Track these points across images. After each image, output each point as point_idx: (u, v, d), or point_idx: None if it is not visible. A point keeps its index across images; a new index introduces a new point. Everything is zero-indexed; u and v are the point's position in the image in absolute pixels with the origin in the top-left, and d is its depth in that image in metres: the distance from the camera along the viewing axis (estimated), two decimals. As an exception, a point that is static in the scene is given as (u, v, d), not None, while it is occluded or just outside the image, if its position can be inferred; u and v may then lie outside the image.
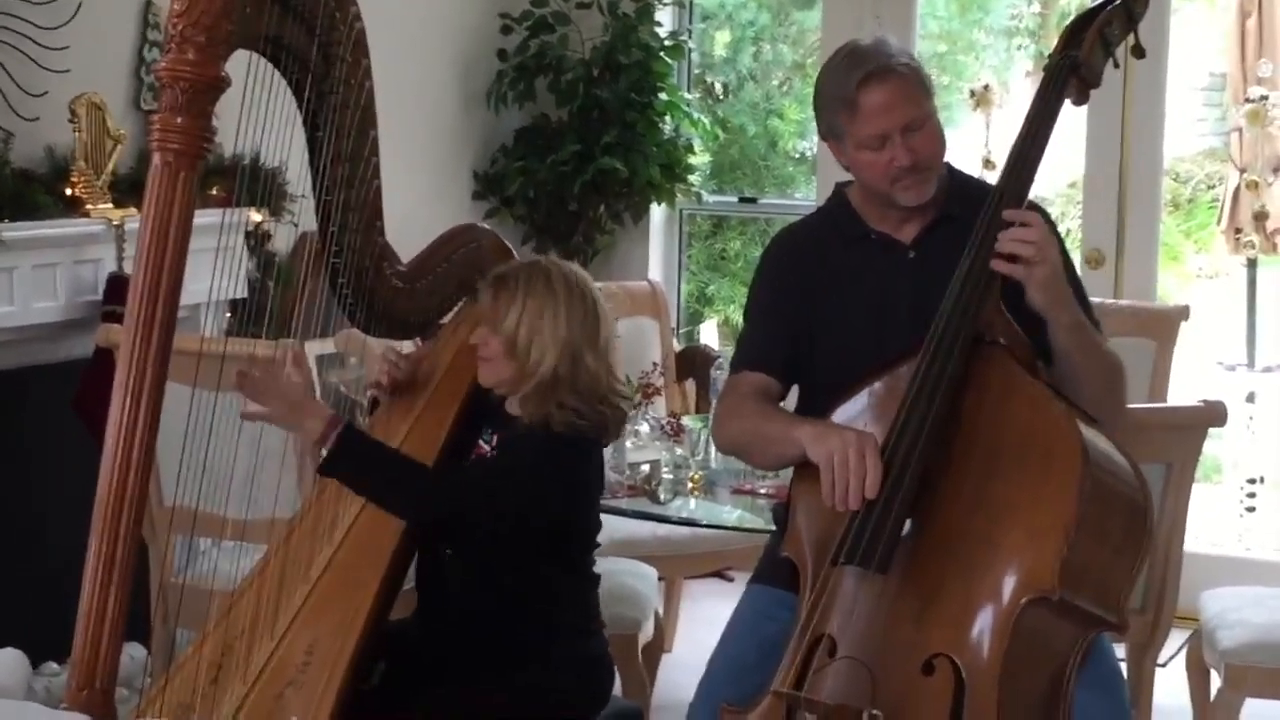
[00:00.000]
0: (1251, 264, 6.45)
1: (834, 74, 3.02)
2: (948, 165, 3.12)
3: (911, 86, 2.97)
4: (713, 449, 4.50)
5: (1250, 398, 6.20)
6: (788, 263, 3.18)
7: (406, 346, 3.81)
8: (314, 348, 4.23)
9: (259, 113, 2.84)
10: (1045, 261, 2.75)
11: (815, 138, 6.90)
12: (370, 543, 3.14)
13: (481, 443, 3.31)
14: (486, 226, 3.58)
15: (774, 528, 3.34)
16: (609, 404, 3.23)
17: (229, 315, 4.83)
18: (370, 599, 3.09)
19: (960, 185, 3.08)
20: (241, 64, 2.81)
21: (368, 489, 3.15)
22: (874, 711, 2.52)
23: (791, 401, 3.16)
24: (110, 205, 4.57)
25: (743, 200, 7.32)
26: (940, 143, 3.02)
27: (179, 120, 2.65)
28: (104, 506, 2.65)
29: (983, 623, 2.56)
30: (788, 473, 3.06)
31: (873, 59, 2.97)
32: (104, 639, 2.65)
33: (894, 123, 2.95)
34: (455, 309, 3.46)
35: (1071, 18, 2.98)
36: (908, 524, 2.63)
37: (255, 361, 3.21)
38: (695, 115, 6.64)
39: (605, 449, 3.41)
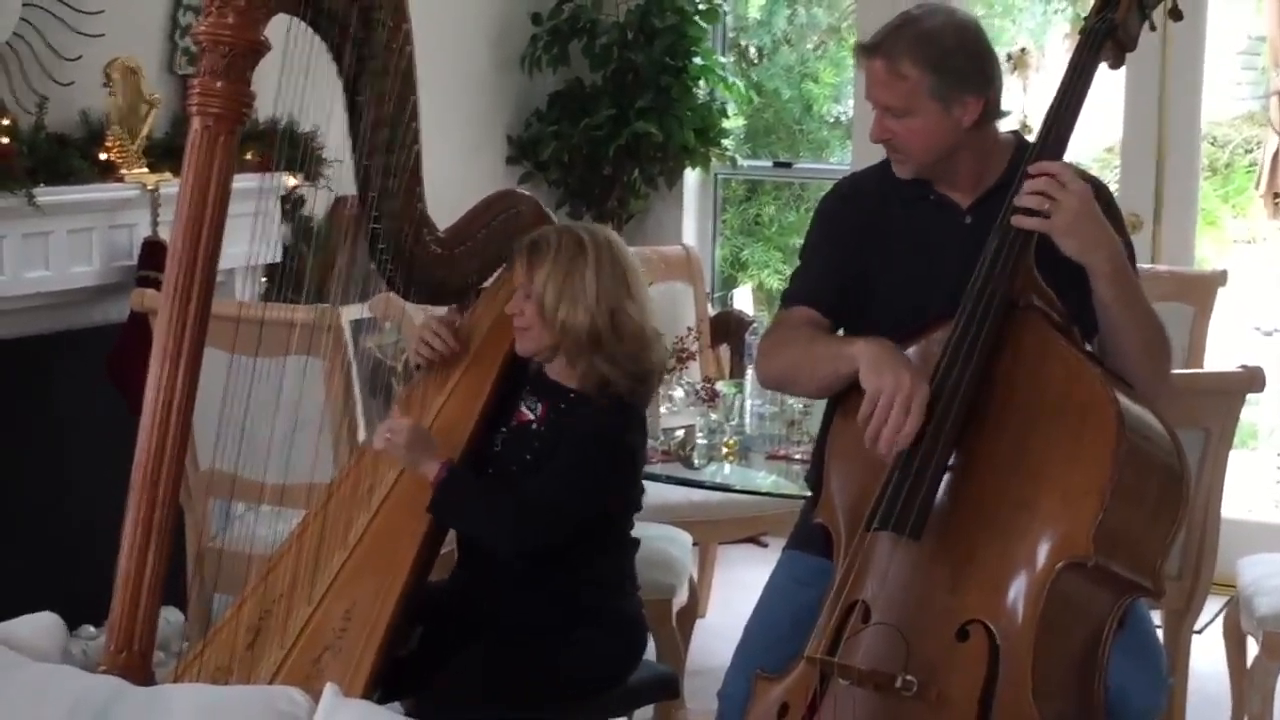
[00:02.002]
0: (1290, 228, 6.41)
1: None
2: (1016, 134, 3.12)
3: (887, 75, 2.93)
4: (748, 415, 4.50)
5: (1287, 363, 6.16)
6: (845, 211, 3.17)
7: (443, 312, 3.81)
8: (350, 312, 4.23)
9: (296, 77, 2.84)
10: (1063, 209, 2.72)
11: (850, 101, 6.88)
12: (408, 508, 3.15)
13: (525, 409, 3.31)
14: (525, 193, 3.58)
15: (808, 493, 3.34)
16: (653, 349, 3.26)
17: (264, 280, 4.84)
18: (408, 564, 3.10)
19: (1024, 154, 3.03)
20: (281, 28, 2.80)
21: (464, 530, 3.28)
22: (908, 677, 2.53)
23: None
24: (145, 170, 4.57)
25: (777, 165, 7.30)
26: (920, 139, 2.95)
27: (219, 84, 2.65)
28: (142, 470, 2.66)
29: (1017, 588, 2.56)
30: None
31: (881, 33, 2.97)
32: (142, 602, 2.66)
33: (872, 98, 2.98)
34: (494, 275, 3.46)
35: (1109, -21, 2.95)
36: (941, 489, 2.63)
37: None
38: (730, 79, 6.62)
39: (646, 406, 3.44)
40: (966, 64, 2.95)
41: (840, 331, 3.10)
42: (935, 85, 2.92)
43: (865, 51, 2.97)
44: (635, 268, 3.28)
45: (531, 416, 3.30)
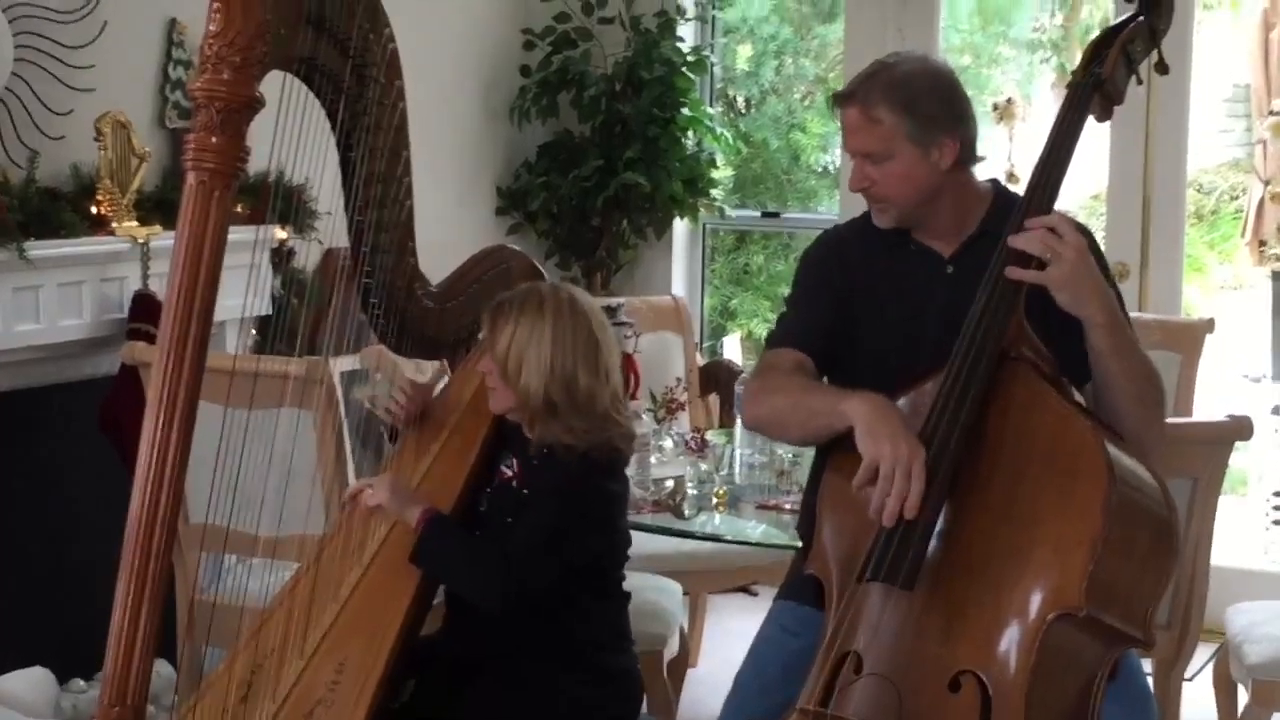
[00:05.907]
0: (1276, 276, 6.43)
1: None
2: (994, 183, 3.13)
3: (864, 121, 2.96)
4: (737, 464, 4.50)
5: (1276, 410, 6.18)
6: (830, 260, 3.18)
7: (434, 367, 3.82)
8: (340, 364, 4.25)
9: (288, 132, 2.85)
10: (1061, 259, 2.72)
11: (838, 151, 6.92)
12: (400, 561, 3.15)
13: (503, 468, 3.31)
14: (517, 249, 3.60)
15: (798, 544, 3.34)
16: (613, 423, 3.22)
17: (254, 332, 4.85)
18: (400, 617, 3.10)
19: (1005, 203, 3.03)
20: (275, 84, 2.82)
21: (447, 580, 3.25)
22: (901, 729, 2.53)
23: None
24: (135, 223, 4.58)
25: (765, 215, 7.33)
26: (900, 185, 2.98)
27: (214, 140, 2.65)
28: (136, 524, 2.65)
29: (1009, 639, 2.56)
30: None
31: (855, 81, 3.01)
32: (136, 656, 2.65)
33: (850, 146, 3.01)
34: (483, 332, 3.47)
35: (1095, 35, 2.98)
36: (933, 540, 2.63)
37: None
38: (718, 130, 6.66)
39: (628, 465, 3.41)
40: (939, 105, 2.98)
41: (824, 379, 3.11)
42: (911, 128, 2.95)
43: (840, 100, 3.01)
44: (599, 335, 3.22)
45: (510, 474, 3.30)
